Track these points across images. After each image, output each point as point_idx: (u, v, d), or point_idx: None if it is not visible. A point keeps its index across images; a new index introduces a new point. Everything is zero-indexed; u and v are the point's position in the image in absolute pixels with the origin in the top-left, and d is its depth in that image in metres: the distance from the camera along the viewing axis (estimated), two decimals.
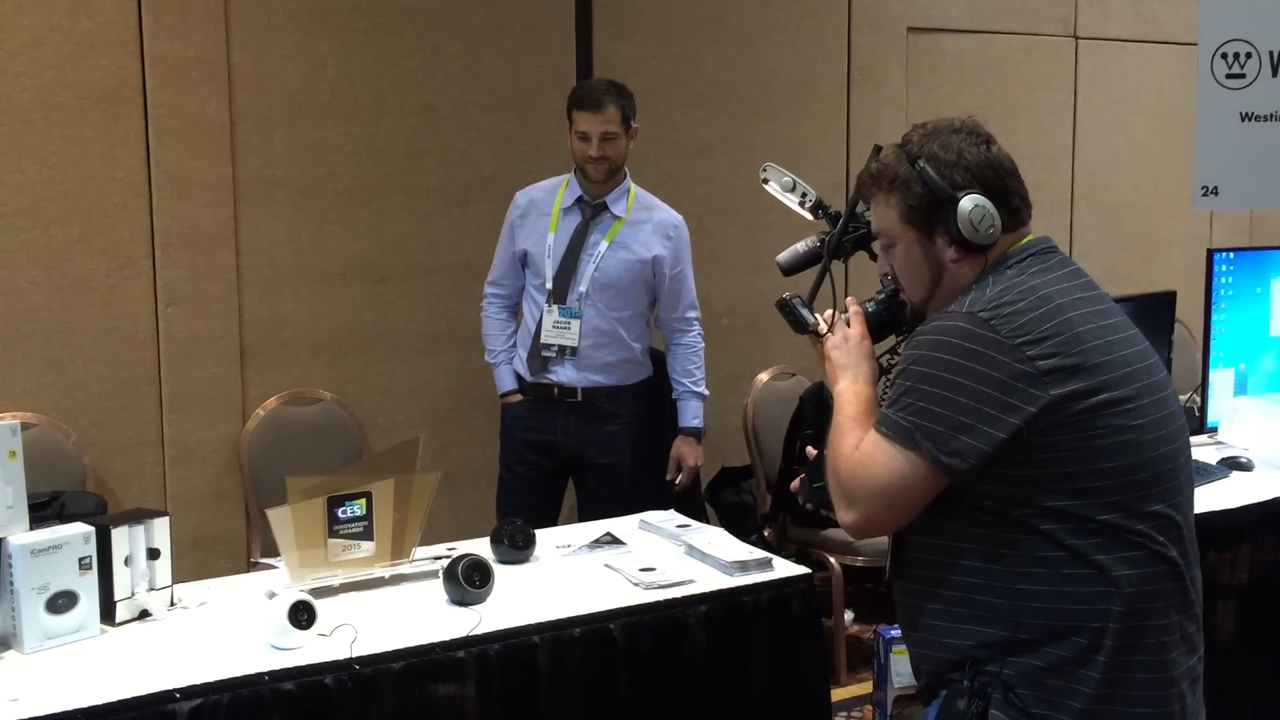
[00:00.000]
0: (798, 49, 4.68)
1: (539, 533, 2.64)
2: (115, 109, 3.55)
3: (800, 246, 2.04)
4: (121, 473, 3.64)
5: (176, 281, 3.66)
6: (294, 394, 3.84)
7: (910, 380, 1.64)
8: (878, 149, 1.79)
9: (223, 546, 3.75)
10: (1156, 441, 1.62)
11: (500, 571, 2.39)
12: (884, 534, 1.78)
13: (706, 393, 3.56)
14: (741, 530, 3.25)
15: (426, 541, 2.54)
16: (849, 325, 1.86)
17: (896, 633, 3.32)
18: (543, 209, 3.44)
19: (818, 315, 1.94)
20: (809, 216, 2.13)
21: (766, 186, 2.16)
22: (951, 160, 1.70)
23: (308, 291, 3.86)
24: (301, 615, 2.05)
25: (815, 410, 3.83)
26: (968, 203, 1.67)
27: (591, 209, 3.39)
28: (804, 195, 2.13)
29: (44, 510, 3.06)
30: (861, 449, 1.67)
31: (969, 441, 1.57)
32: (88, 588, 2.10)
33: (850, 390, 1.79)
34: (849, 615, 4.00)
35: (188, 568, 3.25)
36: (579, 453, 3.43)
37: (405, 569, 2.43)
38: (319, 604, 2.10)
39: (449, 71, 4.02)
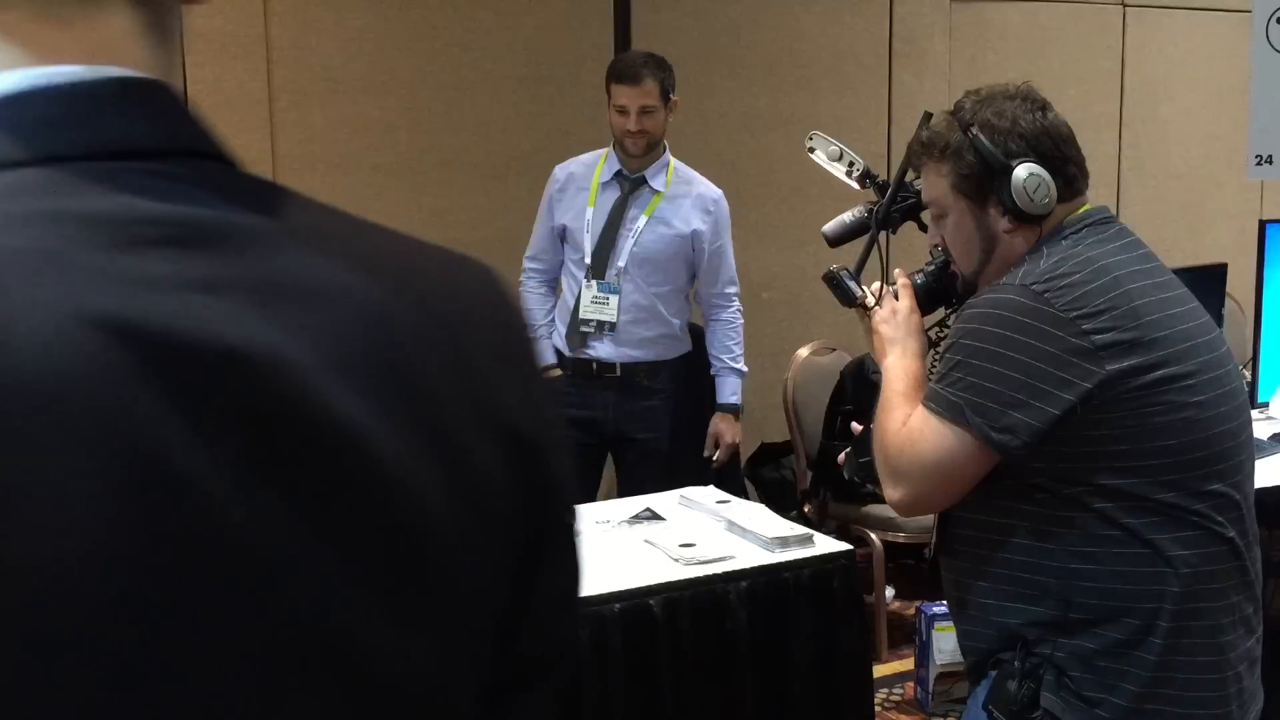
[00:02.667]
0: (839, 19, 4.62)
1: (578, 508, 2.63)
2: None
3: (847, 217, 1.98)
4: None
5: None
6: None
7: (960, 355, 1.59)
8: (928, 116, 1.74)
9: None
10: (1216, 419, 1.57)
11: None
12: (932, 511, 1.74)
13: (745, 369, 3.54)
14: (781, 506, 3.23)
15: None
16: (897, 298, 1.81)
17: (938, 609, 3.29)
18: (581, 183, 3.42)
19: (865, 288, 1.90)
20: (856, 186, 2.06)
21: (812, 156, 2.11)
22: (1005, 128, 1.64)
23: None
24: None
25: (856, 386, 3.80)
26: (1022, 171, 1.61)
27: (630, 183, 3.37)
28: (851, 164, 2.06)
29: None
30: (909, 425, 1.63)
31: (1021, 418, 1.53)
32: None
33: (899, 365, 1.74)
34: (890, 592, 3.97)
35: None
36: (618, 428, 3.42)
37: None
38: None
39: (485, 45, 4.00)
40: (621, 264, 3.33)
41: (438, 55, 3.93)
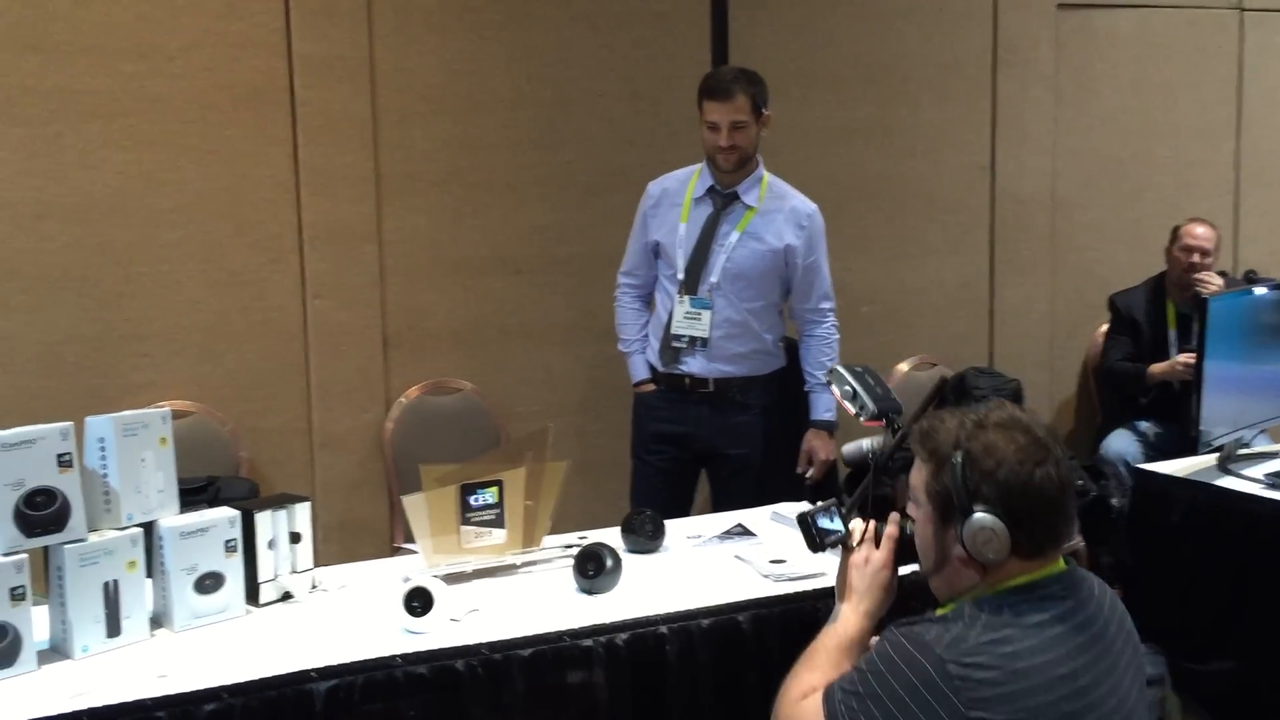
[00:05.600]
0: (941, 28, 4.55)
1: (670, 523, 2.64)
2: (265, 108, 3.68)
3: (865, 445, 2.16)
4: (272, 459, 3.78)
5: (323, 274, 3.78)
6: (435, 384, 3.93)
7: (863, 687, 1.62)
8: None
9: (367, 531, 3.87)
10: None
11: (630, 561, 2.39)
12: None
13: None
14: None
15: (562, 530, 2.56)
16: (877, 546, 1.87)
17: None
18: (674, 199, 3.42)
19: (851, 526, 1.95)
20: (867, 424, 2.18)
21: (829, 389, 2.27)
22: (987, 469, 1.63)
23: (447, 283, 3.94)
24: (415, 602, 2.08)
25: (957, 400, 3.73)
26: (978, 521, 1.62)
27: (723, 199, 3.36)
28: (861, 408, 2.16)
29: (200, 495, 3.20)
30: (803, 706, 1.69)
31: None
32: (233, 569, 2.18)
33: (847, 620, 1.82)
34: None
35: (334, 551, 3.36)
36: (710, 443, 3.41)
37: (536, 556, 2.45)
38: (451, 590, 2.14)
39: (583, 63, 4.04)
40: (714, 280, 3.32)
41: (536, 75, 3.99)
